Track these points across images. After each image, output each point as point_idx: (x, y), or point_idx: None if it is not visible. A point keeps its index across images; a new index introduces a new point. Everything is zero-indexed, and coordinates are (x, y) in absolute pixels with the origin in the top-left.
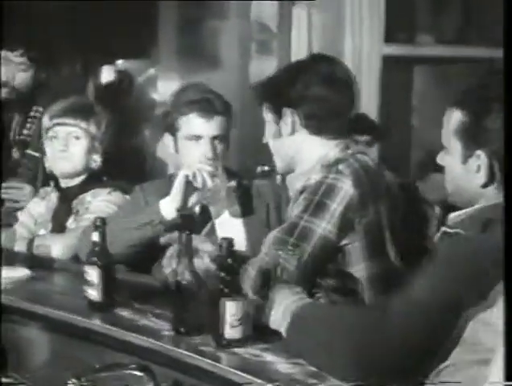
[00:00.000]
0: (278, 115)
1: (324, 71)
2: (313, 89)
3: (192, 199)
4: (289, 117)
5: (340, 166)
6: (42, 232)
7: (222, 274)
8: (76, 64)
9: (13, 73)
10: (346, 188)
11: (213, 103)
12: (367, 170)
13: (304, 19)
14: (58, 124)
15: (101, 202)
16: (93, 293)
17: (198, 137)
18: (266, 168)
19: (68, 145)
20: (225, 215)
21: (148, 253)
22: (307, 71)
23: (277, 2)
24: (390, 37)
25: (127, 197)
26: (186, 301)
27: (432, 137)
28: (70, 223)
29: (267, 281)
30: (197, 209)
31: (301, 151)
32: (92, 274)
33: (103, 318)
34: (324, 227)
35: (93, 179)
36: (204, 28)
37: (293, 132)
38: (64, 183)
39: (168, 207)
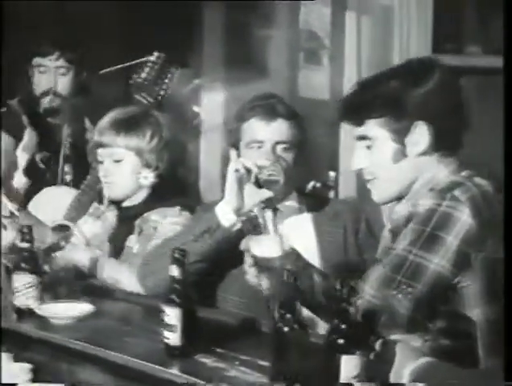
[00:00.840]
0: (401, 131)
1: (447, 76)
2: (444, 97)
3: (250, 199)
4: (424, 131)
5: (457, 192)
6: (98, 253)
7: (336, 322)
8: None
9: (53, 79)
10: (464, 218)
11: (274, 106)
12: (486, 196)
13: (354, 28)
14: (101, 145)
15: (171, 225)
16: (172, 337)
17: (259, 143)
18: (319, 184)
19: (112, 171)
20: (292, 217)
21: (212, 269)
22: (428, 76)
23: (329, 9)
24: (437, 47)
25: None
26: (287, 349)
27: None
28: (131, 242)
29: (375, 327)
30: (256, 210)
31: (423, 173)
32: (172, 315)
33: (182, 367)
34: (437, 262)
35: (156, 196)
36: (251, 37)
37: (425, 150)
38: (126, 202)
39: (225, 210)
